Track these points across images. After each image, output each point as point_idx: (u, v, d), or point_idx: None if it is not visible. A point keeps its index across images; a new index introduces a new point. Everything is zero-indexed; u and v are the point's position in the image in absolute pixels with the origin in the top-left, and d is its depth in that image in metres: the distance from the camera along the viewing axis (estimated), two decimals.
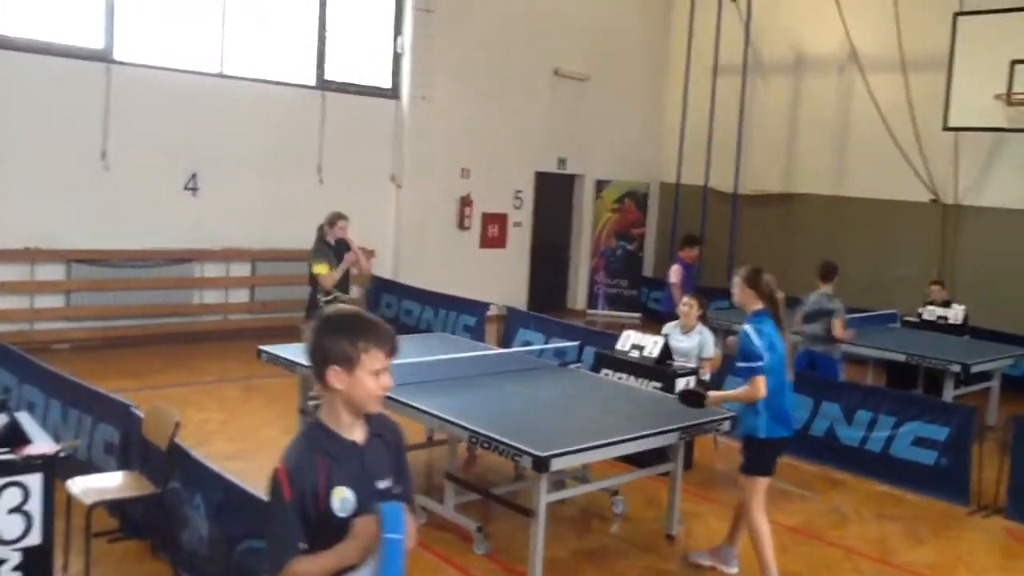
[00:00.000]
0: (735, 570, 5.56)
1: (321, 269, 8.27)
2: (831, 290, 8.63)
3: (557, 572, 5.42)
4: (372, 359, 2.53)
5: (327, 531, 2.50)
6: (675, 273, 10.63)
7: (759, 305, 5.20)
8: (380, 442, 2.66)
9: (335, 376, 2.52)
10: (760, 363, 5.04)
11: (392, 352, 2.58)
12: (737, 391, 5.24)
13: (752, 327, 5.13)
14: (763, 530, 5.22)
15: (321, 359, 2.53)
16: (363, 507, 2.52)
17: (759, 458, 5.24)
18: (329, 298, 8.31)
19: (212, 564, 4.68)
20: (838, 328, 8.47)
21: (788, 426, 5.23)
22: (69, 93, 10.22)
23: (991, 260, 12.41)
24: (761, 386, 5.04)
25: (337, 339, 2.51)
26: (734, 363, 5.30)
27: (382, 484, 2.62)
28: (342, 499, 2.52)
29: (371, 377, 2.53)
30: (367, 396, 2.55)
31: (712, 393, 5.52)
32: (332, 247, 8.47)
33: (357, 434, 2.60)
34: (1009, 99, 11.28)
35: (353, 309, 2.64)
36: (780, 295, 5.24)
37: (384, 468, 2.64)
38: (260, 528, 4.26)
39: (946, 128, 12.16)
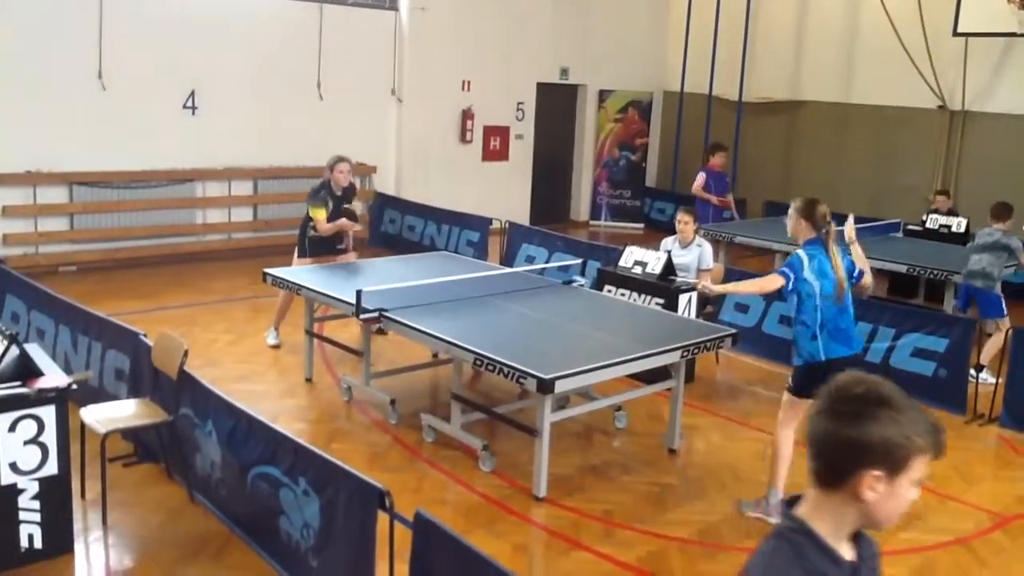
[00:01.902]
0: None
1: (318, 214, 7.78)
2: (1006, 227, 8.34)
3: (561, 487, 5.57)
4: (921, 464, 1.81)
5: None
6: (697, 181, 11.00)
7: (812, 235, 5.16)
8: (867, 563, 1.94)
9: (872, 484, 1.79)
10: (790, 275, 5.05)
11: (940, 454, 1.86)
12: (747, 282, 5.27)
13: (805, 252, 5.12)
14: (785, 450, 5.29)
15: (853, 455, 1.78)
16: None
17: (811, 379, 5.09)
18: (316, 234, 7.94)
19: (226, 488, 4.82)
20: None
21: (850, 344, 5.20)
22: (63, 11, 10.03)
23: (997, 166, 12.29)
24: (774, 282, 5.12)
25: (886, 430, 1.77)
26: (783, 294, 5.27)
27: None
28: None
29: (911, 487, 1.83)
30: (896, 511, 1.85)
31: (717, 287, 5.46)
32: (335, 196, 7.91)
33: (849, 550, 1.89)
34: (1021, 3, 11.01)
35: (890, 385, 1.83)
36: (833, 226, 5.18)
37: None
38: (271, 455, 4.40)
39: (956, 34, 11.91)
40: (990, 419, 7.11)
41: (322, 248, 8.00)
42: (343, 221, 7.95)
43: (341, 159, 7.97)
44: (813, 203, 5.20)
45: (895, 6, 12.81)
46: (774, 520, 5.29)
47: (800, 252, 5.15)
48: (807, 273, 5.06)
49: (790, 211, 5.29)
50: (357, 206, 8.52)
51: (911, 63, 12.68)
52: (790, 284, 5.09)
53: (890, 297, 10.29)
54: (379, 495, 3.70)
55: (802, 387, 5.20)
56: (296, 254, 8.10)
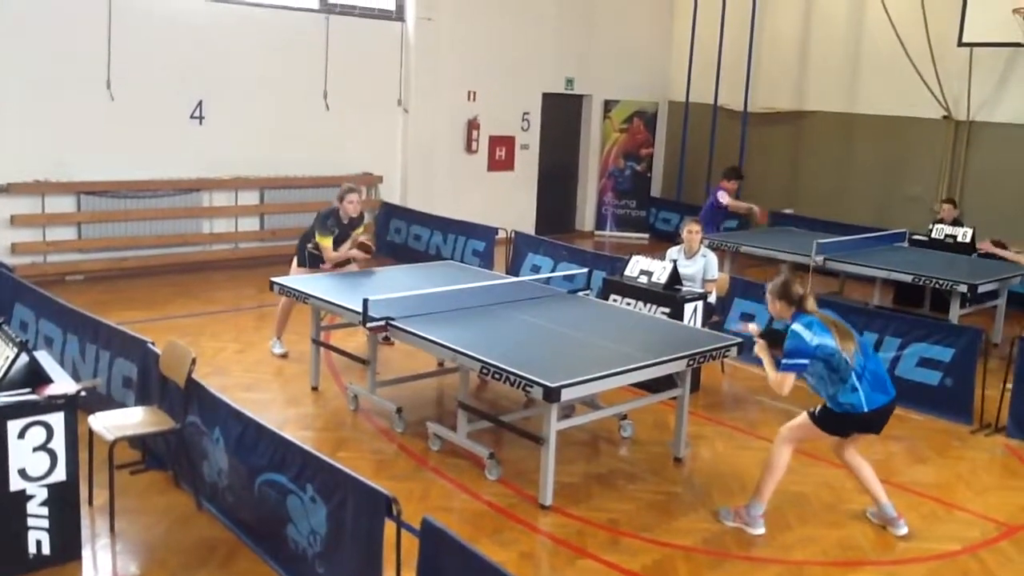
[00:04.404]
0: (904, 531, 5.38)
1: (325, 242, 7.80)
2: None
3: (567, 496, 5.57)
4: None
5: None
6: (724, 195, 10.99)
7: (794, 309, 5.11)
8: None
9: None
10: (801, 364, 4.96)
11: None
12: (771, 372, 5.12)
13: (800, 324, 5.02)
14: (782, 463, 5.24)
15: None
16: None
17: (846, 424, 5.16)
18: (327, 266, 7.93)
19: (233, 495, 4.84)
20: None
21: (887, 389, 5.13)
22: (71, 20, 10.10)
23: (1002, 176, 12.31)
24: (787, 385, 4.98)
25: None
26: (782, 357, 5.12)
27: None
28: None
29: None
30: None
31: (764, 352, 5.31)
32: (341, 223, 7.90)
33: None
34: None
35: None
36: (811, 302, 5.11)
37: None
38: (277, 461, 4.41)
39: (961, 44, 11.93)
40: (996, 429, 7.09)
41: (321, 262, 7.99)
42: (353, 252, 7.92)
43: (352, 190, 7.96)
44: (787, 284, 5.15)
45: (899, 16, 12.84)
46: (755, 531, 5.24)
47: (795, 326, 5.03)
48: (814, 340, 4.95)
49: (767, 295, 5.24)
50: (366, 228, 8.36)
51: (916, 73, 12.70)
52: (807, 365, 4.99)
53: (896, 307, 10.30)
54: (386, 502, 3.71)
55: (832, 427, 5.18)
56: (295, 262, 8.13)
